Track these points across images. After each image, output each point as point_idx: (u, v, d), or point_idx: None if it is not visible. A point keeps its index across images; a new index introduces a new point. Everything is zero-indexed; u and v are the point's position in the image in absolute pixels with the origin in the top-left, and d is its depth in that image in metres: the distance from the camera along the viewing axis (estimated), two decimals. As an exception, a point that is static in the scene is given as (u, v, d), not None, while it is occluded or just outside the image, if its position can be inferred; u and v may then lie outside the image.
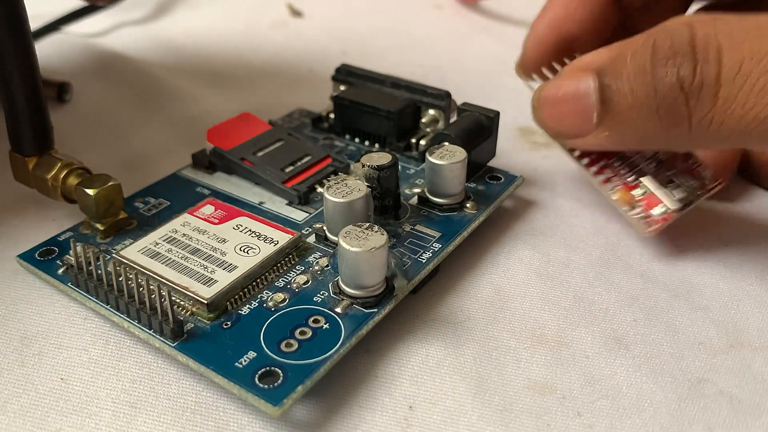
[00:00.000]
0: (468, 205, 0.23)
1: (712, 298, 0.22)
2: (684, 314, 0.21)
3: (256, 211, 0.23)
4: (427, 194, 0.24)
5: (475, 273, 0.23)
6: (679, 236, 0.24)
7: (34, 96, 0.21)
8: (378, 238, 0.19)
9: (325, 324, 0.19)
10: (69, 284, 0.20)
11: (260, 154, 0.25)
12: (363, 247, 0.18)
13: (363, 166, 0.22)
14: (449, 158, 0.23)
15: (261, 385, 0.17)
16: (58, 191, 0.22)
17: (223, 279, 0.19)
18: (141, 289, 0.19)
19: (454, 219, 0.23)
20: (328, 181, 0.21)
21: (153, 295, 0.18)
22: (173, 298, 0.19)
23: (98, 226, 0.22)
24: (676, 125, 0.19)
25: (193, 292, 0.19)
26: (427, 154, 0.23)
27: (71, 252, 0.21)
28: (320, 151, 0.26)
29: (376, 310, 0.19)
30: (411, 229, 0.22)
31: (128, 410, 0.18)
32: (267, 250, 0.20)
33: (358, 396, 0.18)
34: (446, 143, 0.23)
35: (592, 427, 0.18)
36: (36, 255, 0.21)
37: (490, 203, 0.24)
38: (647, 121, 0.19)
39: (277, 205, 0.24)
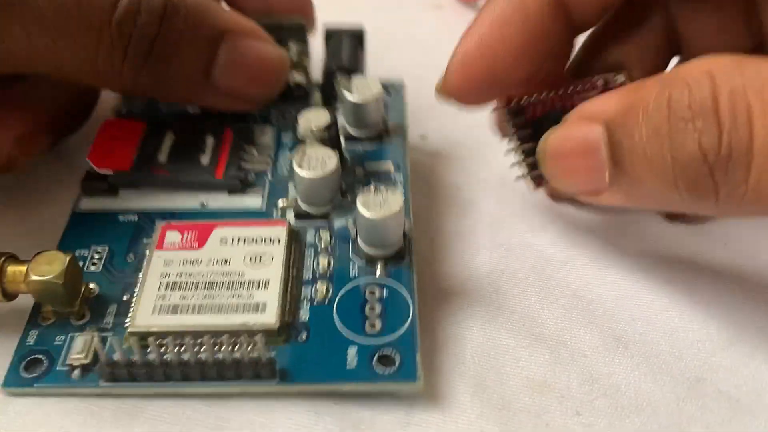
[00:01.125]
0: (388, 127, 0.25)
1: (712, 297, 0.21)
2: (683, 312, 0.21)
3: (216, 217, 0.21)
4: (351, 132, 0.24)
5: (472, 272, 0.22)
6: (677, 235, 0.23)
7: None
8: (395, 197, 0.19)
9: (382, 291, 0.19)
10: (102, 384, 0.17)
11: (162, 157, 0.23)
12: (391, 211, 0.19)
13: (312, 130, 0.22)
14: (370, 92, 0.23)
15: (384, 371, 0.18)
16: (-5, 292, 0.18)
17: (269, 298, 0.19)
18: (198, 348, 0.17)
19: (386, 146, 0.24)
20: (293, 156, 0.21)
21: (215, 348, 0.17)
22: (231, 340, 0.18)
23: (70, 310, 0.19)
24: (700, 198, 0.16)
25: (254, 325, 0.18)
26: (345, 93, 0.23)
27: (73, 350, 0.18)
28: (215, 127, 0.24)
29: (408, 257, 0.20)
30: (363, 169, 0.23)
31: (130, 409, 0.18)
32: (278, 251, 0.20)
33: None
34: (344, 76, 0.24)
35: (590, 426, 0.18)
36: (22, 373, 0.18)
37: (399, 120, 0.25)
38: (666, 189, 0.16)
39: (220, 201, 0.22)
